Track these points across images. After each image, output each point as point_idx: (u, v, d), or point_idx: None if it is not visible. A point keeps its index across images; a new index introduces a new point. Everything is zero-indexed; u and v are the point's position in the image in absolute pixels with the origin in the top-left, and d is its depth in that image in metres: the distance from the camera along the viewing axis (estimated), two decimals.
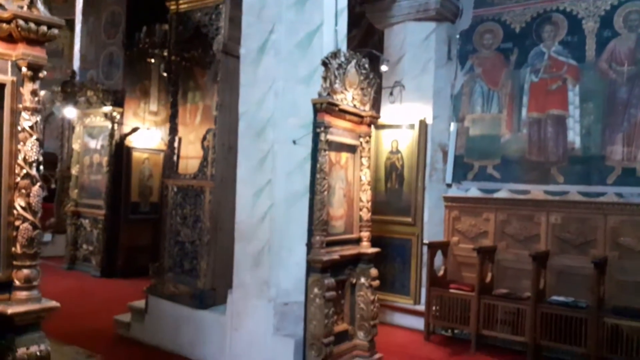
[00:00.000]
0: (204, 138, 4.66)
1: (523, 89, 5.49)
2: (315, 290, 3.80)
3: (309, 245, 3.84)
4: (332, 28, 4.19)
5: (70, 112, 8.66)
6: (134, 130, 8.26)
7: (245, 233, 4.32)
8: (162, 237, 5.20)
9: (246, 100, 4.30)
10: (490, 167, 5.68)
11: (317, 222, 3.81)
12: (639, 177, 4.82)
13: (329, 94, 3.83)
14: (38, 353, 2.21)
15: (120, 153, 8.12)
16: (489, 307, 5.02)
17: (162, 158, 8.49)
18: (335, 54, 3.85)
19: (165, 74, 5.80)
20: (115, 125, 8.03)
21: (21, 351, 2.16)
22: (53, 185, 9.86)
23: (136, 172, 8.31)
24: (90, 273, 8.13)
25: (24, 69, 2.15)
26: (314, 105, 3.79)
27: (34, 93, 2.17)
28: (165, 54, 5.52)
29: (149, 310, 5.11)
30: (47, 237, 9.95)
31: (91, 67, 8.76)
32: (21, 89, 2.16)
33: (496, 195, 5.60)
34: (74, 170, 8.64)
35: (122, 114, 8.09)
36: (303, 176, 4.02)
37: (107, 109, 7.97)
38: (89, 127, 8.49)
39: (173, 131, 5.10)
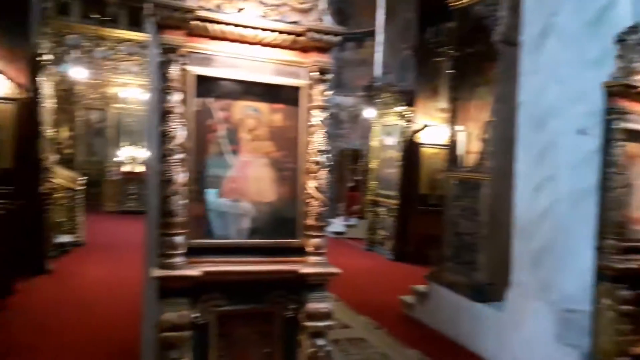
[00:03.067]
0: (483, 131, 4.64)
1: None
2: (606, 301, 3.38)
3: (598, 250, 3.44)
4: None
5: (370, 112, 9.75)
6: (424, 127, 8.74)
7: (524, 230, 4.13)
8: (442, 227, 5.41)
9: (526, 89, 4.10)
10: None
11: (609, 223, 3.37)
12: None
13: (625, 75, 3.33)
14: (323, 309, 2.68)
15: (410, 149, 8.73)
16: None
17: None
18: (634, 28, 3.32)
19: (450, 72, 5.98)
20: (407, 123, 8.67)
21: (310, 305, 2.66)
22: (358, 177, 11.24)
23: (425, 167, 8.78)
24: (385, 256, 9.00)
25: (315, 74, 2.63)
26: (607, 89, 3.35)
27: (322, 93, 2.64)
28: (450, 51, 5.69)
29: (429, 295, 5.41)
30: (354, 221, 11.46)
31: (389, 71, 9.65)
32: (312, 90, 2.65)
33: None
34: (373, 164, 9.70)
35: (413, 113, 8.68)
36: (592, 171, 3.60)
37: (400, 108, 8.67)
38: (385, 126, 9.39)
39: (452, 125, 5.24)
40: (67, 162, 11.25)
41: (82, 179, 8.49)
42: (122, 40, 12.82)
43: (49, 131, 6.74)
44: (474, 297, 4.72)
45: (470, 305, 4.75)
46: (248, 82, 2.57)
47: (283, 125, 2.68)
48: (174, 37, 2.35)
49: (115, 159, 13.17)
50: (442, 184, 8.65)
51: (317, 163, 2.66)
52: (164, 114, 2.35)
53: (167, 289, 2.43)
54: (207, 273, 2.46)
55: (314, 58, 2.61)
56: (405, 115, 8.66)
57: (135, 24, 12.67)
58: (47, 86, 6.54)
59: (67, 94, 11.94)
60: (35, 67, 6.23)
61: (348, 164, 12.22)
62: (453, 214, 5.21)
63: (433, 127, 8.77)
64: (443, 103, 8.70)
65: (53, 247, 7.07)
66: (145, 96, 13.18)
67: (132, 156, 12.82)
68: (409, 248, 8.74)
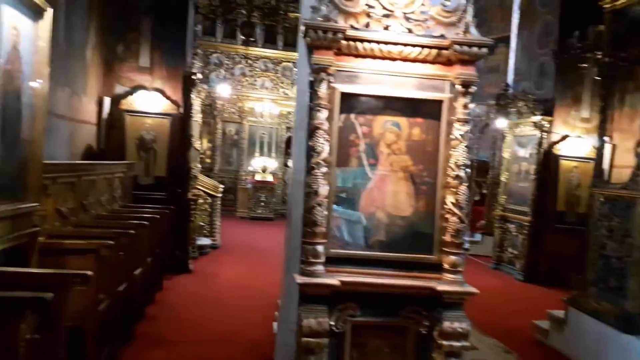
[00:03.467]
0: (638, 144, 4.19)
1: None
2: None
3: None
4: None
5: (501, 122, 9.27)
6: (563, 138, 8.11)
7: None
8: (585, 248, 4.97)
9: None
10: None
11: None
12: None
13: None
14: (460, 329, 2.62)
15: (547, 161, 8.14)
16: None
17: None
18: None
19: (597, 78, 5.52)
20: (544, 134, 8.10)
21: (446, 324, 2.61)
22: (484, 190, 10.73)
23: (563, 181, 8.13)
24: (514, 276, 8.47)
25: (458, 87, 2.60)
26: None
27: (464, 106, 2.60)
28: (599, 56, 5.24)
29: (568, 322, 5.01)
30: (478, 237, 10.97)
31: (523, 79, 9.13)
32: (454, 103, 2.62)
33: None
34: (503, 177, 9.20)
35: (551, 123, 8.09)
36: None
37: (537, 118, 8.12)
38: (518, 136, 8.88)
39: (602, 138, 4.79)
40: (207, 170, 12.29)
41: (221, 187, 9.21)
42: (259, 58, 13.72)
43: (196, 143, 7.43)
44: (622, 327, 4.27)
45: (617, 336, 4.30)
46: (389, 97, 2.62)
47: (421, 139, 2.69)
48: (325, 57, 2.49)
49: (248, 169, 14.08)
50: (582, 200, 8.02)
51: (457, 177, 2.61)
52: (313, 130, 2.50)
53: (308, 295, 2.56)
54: (345, 283, 2.54)
55: (457, 71, 2.58)
56: (543, 125, 8.10)
57: (271, 42, 13.53)
58: (196, 102, 7.23)
59: (209, 108, 13.08)
60: (187, 85, 6.92)
61: (474, 176, 11.72)
62: (599, 235, 4.75)
63: (574, 138, 8.09)
64: (586, 112, 8.03)
65: (194, 248, 7.74)
66: (276, 110, 14.00)
67: (263, 166, 13.60)
68: (542, 269, 8.13)
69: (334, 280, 2.51)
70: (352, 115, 2.62)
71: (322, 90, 2.49)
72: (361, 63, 2.57)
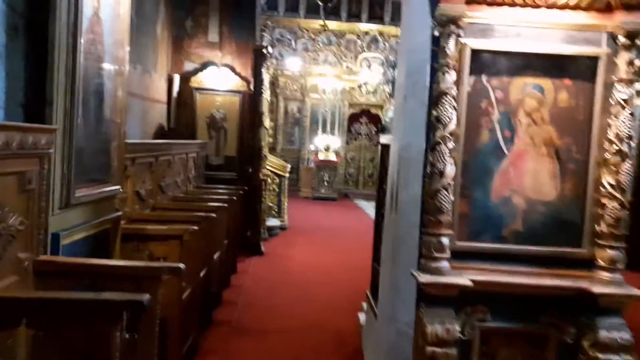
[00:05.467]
0: None
1: None
2: None
3: None
4: None
5: None
6: None
7: None
8: None
9: None
10: None
11: None
12: None
13: None
14: (619, 340, 2.13)
15: None
16: None
17: None
18: None
19: None
20: None
21: (603, 333, 2.12)
22: None
23: None
24: None
25: (620, 39, 2.06)
26: None
27: (630, 63, 2.06)
28: None
29: None
30: None
31: None
32: (615, 59, 2.09)
33: None
34: None
35: None
36: None
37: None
38: None
39: None
40: (270, 150, 12.07)
41: (289, 167, 8.94)
42: (321, 31, 13.24)
43: (266, 121, 7.15)
44: None
45: None
46: (530, 54, 2.12)
47: (569, 105, 2.18)
48: (454, 6, 2.00)
49: (310, 148, 13.77)
50: None
51: (618, 152, 2.10)
52: (438, 97, 2.05)
53: (430, 296, 2.15)
54: (477, 283, 2.11)
55: (619, 19, 2.04)
56: None
57: (335, 14, 13.01)
58: (266, 78, 6.92)
59: (271, 86, 12.85)
60: (258, 60, 6.62)
61: None
62: None
63: None
64: None
65: (264, 229, 7.53)
66: (340, 86, 13.54)
67: (326, 145, 13.23)
68: None
69: (465, 280, 2.08)
70: (484, 78, 2.14)
71: (450, 47, 2.03)
72: (497, 12, 2.08)
